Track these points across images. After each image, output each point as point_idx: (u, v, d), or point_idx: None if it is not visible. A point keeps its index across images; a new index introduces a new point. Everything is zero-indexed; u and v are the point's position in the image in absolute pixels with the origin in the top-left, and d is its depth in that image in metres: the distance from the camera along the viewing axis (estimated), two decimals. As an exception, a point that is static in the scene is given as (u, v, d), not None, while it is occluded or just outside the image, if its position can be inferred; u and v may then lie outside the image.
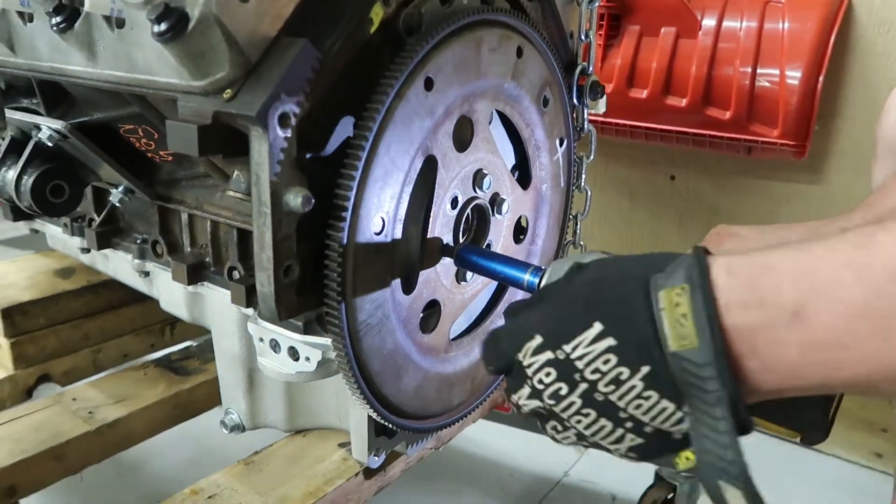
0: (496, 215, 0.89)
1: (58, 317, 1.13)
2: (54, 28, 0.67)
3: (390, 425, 0.80)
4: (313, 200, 0.63)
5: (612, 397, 0.45)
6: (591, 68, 1.04)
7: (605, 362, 0.45)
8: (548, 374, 0.47)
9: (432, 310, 0.85)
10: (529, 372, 0.48)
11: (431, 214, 0.80)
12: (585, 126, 1.07)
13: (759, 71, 1.46)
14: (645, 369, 0.43)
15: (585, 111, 1.05)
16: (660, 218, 1.83)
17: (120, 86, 0.69)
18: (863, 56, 1.47)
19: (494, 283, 0.94)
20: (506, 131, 0.93)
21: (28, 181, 0.85)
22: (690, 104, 1.53)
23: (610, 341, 0.45)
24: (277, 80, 0.60)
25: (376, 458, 0.86)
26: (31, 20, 0.73)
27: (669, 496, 1.39)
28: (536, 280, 0.68)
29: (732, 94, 1.48)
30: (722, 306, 0.41)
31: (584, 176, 1.09)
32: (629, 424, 0.45)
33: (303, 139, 0.66)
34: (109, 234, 1.00)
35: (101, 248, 1.00)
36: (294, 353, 0.80)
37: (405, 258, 0.79)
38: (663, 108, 1.56)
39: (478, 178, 0.85)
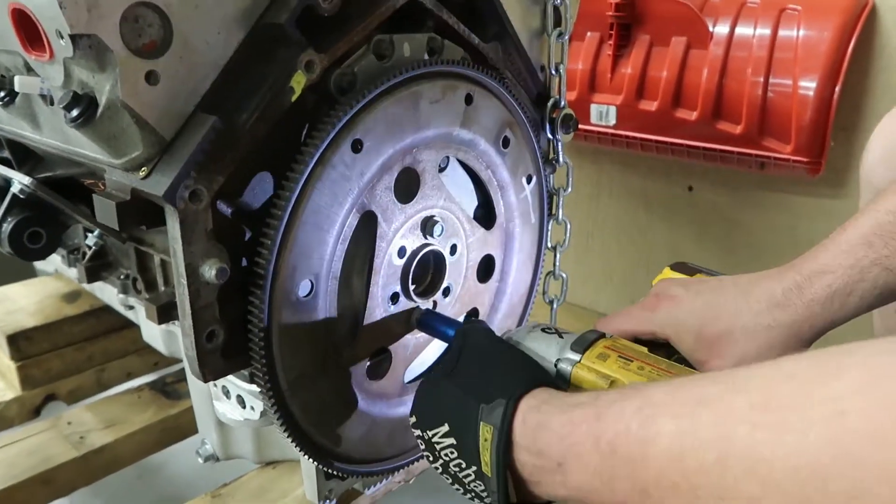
0: (451, 258, 0.89)
1: (61, 341, 1.19)
2: (-1, 103, 0.71)
3: (336, 473, 0.82)
4: (229, 272, 0.65)
5: (459, 475, 0.62)
6: (563, 101, 1.01)
7: (451, 453, 0.62)
8: (422, 444, 0.66)
9: (384, 355, 0.86)
10: (416, 437, 0.67)
11: (375, 266, 0.80)
12: (561, 158, 1.04)
13: (771, 82, 1.39)
14: (473, 468, 0.60)
15: (560, 144, 1.03)
16: (677, 229, 1.78)
17: (63, 153, 0.73)
18: (889, 64, 1.38)
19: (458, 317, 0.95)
20: (467, 173, 0.92)
21: (7, 228, 0.90)
22: (700, 117, 1.47)
23: (452, 440, 0.61)
24: (185, 159, 0.62)
25: (328, 500, 0.88)
26: (-13, 88, 0.77)
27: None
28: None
29: (743, 107, 1.42)
30: (516, 445, 0.56)
31: (561, 208, 1.07)
32: (472, 491, 0.62)
33: (231, 201, 0.68)
34: (98, 269, 1.05)
35: (91, 281, 1.05)
36: (241, 401, 0.83)
37: (348, 311, 0.80)
38: (673, 121, 1.51)
39: (427, 225, 0.85)
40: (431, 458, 0.65)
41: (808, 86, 1.34)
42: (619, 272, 1.92)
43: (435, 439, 0.63)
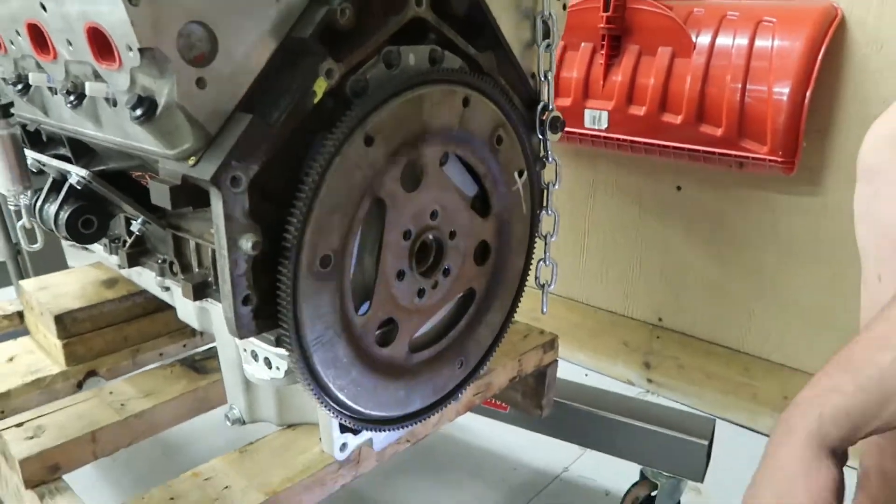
0: (451, 242, 1.02)
1: (102, 322, 1.32)
2: (68, 105, 0.84)
3: (350, 424, 0.95)
4: (262, 244, 0.78)
5: None
6: (551, 105, 1.14)
7: None
8: None
9: (391, 325, 0.99)
10: None
11: (384, 246, 0.93)
12: (550, 156, 1.17)
13: (748, 88, 1.51)
14: None
15: (548, 144, 1.16)
16: (667, 226, 1.90)
17: (122, 147, 0.86)
18: (857, 73, 1.50)
19: (456, 296, 1.07)
20: (465, 167, 1.05)
21: (64, 216, 1.04)
22: (685, 121, 1.60)
23: None
24: (228, 150, 0.75)
25: (342, 451, 1.00)
26: (56, 93, 0.90)
27: (652, 493, 1.49)
28: None
29: (723, 111, 1.54)
30: None
31: (551, 201, 1.20)
32: None
33: (263, 190, 0.81)
34: (138, 255, 1.18)
35: (131, 266, 1.18)
36: (268, 363, 0.95)
37: (360, 283, 0.93)
38: (660, 124, 1.64)
39: (430, 213, 0.97)
40: None
41: (782, 91, 1.47)
42: (614, 268, 2.04)
43: None
